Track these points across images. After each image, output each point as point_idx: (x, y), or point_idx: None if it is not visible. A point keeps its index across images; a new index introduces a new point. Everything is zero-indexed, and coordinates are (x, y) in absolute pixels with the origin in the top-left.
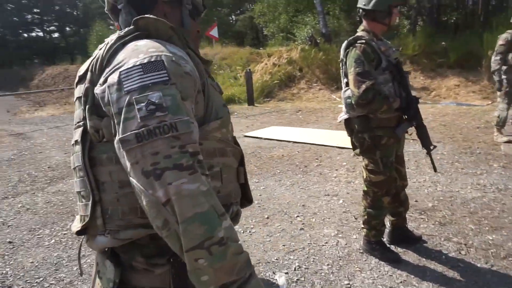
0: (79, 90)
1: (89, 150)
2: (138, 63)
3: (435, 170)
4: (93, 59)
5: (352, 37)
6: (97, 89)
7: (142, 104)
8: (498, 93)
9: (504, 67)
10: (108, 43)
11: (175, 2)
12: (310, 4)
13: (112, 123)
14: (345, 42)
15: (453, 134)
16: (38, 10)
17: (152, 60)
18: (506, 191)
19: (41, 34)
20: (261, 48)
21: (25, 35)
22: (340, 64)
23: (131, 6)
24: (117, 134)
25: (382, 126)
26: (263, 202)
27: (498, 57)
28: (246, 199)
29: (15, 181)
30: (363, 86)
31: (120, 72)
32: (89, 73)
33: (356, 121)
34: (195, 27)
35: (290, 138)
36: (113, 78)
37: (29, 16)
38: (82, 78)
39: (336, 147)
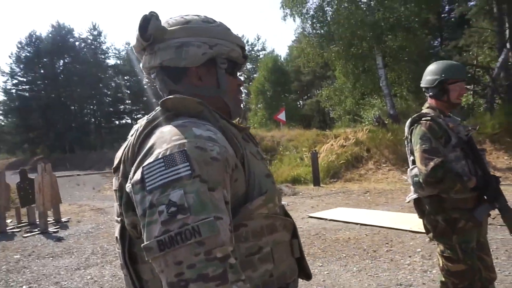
0: (114, 182)
1: (129, 246)
2: (160, 157)
3: None
4: (125, 147)
5: (417, 114)
6: (127, 187)
7: (163, 205)
8: None
9: None
10: (138, 129)
11: (210, 62)
12: (376, 87)
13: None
14: (409, 119)
15: None
16: (129, 101)
17: (174, 151)
18: None
19: (129, 121)
20: (327, 130)
21: (117, 122)
22: (405, 142)
23: (164, 73)
24: (144, 240)
25: (458, 208)
26: None
27: None
28: (304, 274)
29: (89, 253)
30: (431, 164)
31: (143, 168)
32: (122, 165)
33: (427, 201)
34: (234, 84)
35: (357, 220)
36: (137, 175)
37: (122, 107)
38: (117, 169)
39: (409, 231)
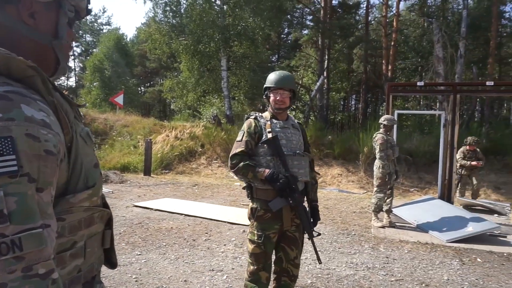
0: None
1: None
2: None
3: (319, 261)
4: None
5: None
6: None
7: None
8: (376, 182)
9: (383, 162)
10: None
11: (53, 3)
12: (217, 87)
13: None
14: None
15: (334, 216)
16: None
17: None
18: (373, 270)
19: None
20: (165, 121)
21: None
22: None
23: None
24: None
25: (259, 198)
26: (142, 277)
27: (382, 153)
28: (110, 263)
29: None
30: (233, 152)
31: None
32: None
33: (246, 187)
34: (70, 37)
35: (182, 211)
36: None
37: None
38: None
39: (228, 222)
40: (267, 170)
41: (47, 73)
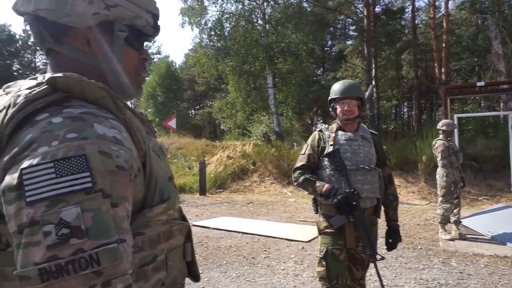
0: None
1: None
2: (49, 159)
3: (382, 286)
4: None
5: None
6: None
7: (51, 225)
8: (441, 192)
9: (446, 170)
10: (9, 106)
11: (106, 26)
12: (265, 105)
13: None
14: None
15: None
16: None
17: (70, 155)
18: (446, 286)
19: None
20: (216, 141)
21: None
22: None
23: (41, 25)
24: (16, 262)
25: (323, 213)
26: None
27: (445, 161)
28: (193, 275)
29: None
30: (296, 165)
31: (22, 171)
32: None
33: (312, 201)
34: (134, 58)
35: (239, 229)
36: (12, 178)
37: None
38: None
39: (285, 239)
40: (326, 185)
41: None
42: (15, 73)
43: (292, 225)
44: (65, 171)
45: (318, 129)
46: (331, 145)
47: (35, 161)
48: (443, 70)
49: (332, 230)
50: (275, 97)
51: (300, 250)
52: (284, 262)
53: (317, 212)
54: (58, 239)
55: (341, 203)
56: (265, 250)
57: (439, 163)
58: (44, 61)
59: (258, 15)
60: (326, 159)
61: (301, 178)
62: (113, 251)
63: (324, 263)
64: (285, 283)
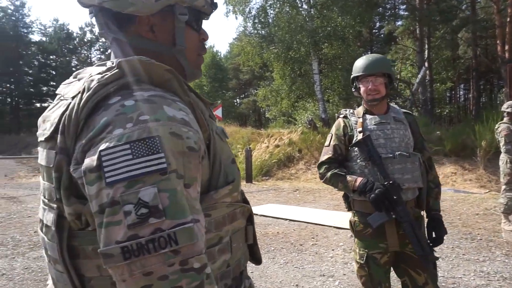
0: (46, 156)
1: (68, 238)
2: (125, 141)
3: None
4: (64, 111)
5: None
6: (74, 170)
7: (131, 205)
8: (505, 180)
9: (511, 156)
10: (84, 91)
11: (167, 10)
12: (311, 92)
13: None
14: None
15: (452, 219)
16: (54, 83)
17: (144, 136)
18: (511, 280)
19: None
20: (262, 129)
21: (38, 105)
22: None
23: (106, 16)
24: (99, 240)
25: (358, 211)
26: (255, 280)
27: (510, 146)
28: (255, 258)
29: None
30: (321, 159)
31: (100, 152)
32: (59, 136)
33: (343, 197)
34: (195, 40)
35: (286, 216)
36: (91, 160)
37: (45, 88)
38: (50, 139)
39: (333, 227)
40: (359, 179)
41: None
42: (73, 68)
43: (340, 213)
44: (140, 152)
45: (342, 116)
46: (359, 132)
47: (112, 143)
48: (507, 47)
49: (370, 231)
50: (321, 83)
51: (349, 238)
52: (333, 250)
53: (349, 210)
54: (138, 219)
55: (380, 198)
56: (313, 238)
57: (503, 149)
58: (99, 56)
59: (303, 0)
60: (356, 148)
61: (329, 174)
62: (189, 231)
63: (366, 268)
64: (334, 271)
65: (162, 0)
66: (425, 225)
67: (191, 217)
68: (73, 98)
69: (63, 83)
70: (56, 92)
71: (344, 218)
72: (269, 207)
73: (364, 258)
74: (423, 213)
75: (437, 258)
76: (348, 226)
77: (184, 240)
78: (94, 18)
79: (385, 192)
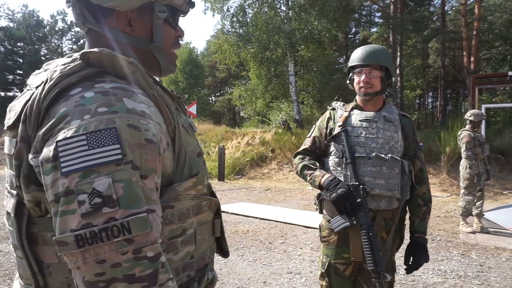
0: (9, 144)
1: (27, 225)
2: (81, 132)
3: None
4: (27, 101)
5: None
6: (32, 159)
7: (85, 194)
8: (464, 184)
9: (470, 162)
10: (46, 81)
11: (145, 6)
12: (286, 93)
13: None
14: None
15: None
16: (21, 72)
17: (101, 127)
18: (465, 278)
19: (19, 94)
20: (236, 128)
21: (2, 93)
22: None
23: (83, 6)
24: (54, 228)
25: (326, 214)
26: (223, 277)
27: (469, 152)
28: (222, 251)
29: None
30: (299, 149)
31: (57, 143)
32: (21, 125)
33: (316, 198)
34: (171, 36)
35: (256, 215)
36: (49, 150)
37: (11, 77)
38: (12, 127)
39: (303, 226)
40: (326, 175)
41: (154, 75)
42: (42, 58)
43: (310, 212)
44: (96, 143)
45: (330, 108)
46: (339, 126)
47: (69, 134)
48: (472, 59)
49: (335, 238)
50: (296, 85)
51: (317, 237)
52: (301, 248)
53: (321, 212)
54: (92, 208)
55: (341, 199)
56: (282, 236)
57: (463, 154)
58: (70, 46)
59: (281, 1)
60: (333, 143)
61: (300, 165)
62: (142, 220)
63: (326, 279)
64: (301, 268)
65: None
66: (406, 247)
67: (146, 207)
68: (37, 88)
69: (33, 73)
70: (27, 82)
71: (313, 217)
72: (240, 206)
73: (325, 267)
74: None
75: (388, 279)
76: (316, 225)
77: (137, 229)
78: (70, 8)
79: (348, 194)
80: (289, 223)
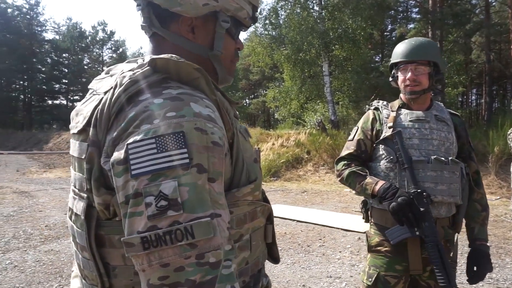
0: (78, 148)
1: (95, 227)
2: (151, 135)
3: None
4: (96, 106)
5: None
6: (104, 163)
7: (152, 197)
8: None
9: None
10: (115, 86)
11: (210, 16)
12: (320, 93)
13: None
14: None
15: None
16: (66, 81)
17: (170, 131)
18: None
19: (64, 102)
20: (271, 130)
21: (50, 102)
22: None
23: (151, 10)
24: (124, 230)
25: (375, 223)
26: None
27: None
28: (273, 258)
29: (9, 237)
30: (341, 154)
31: (127, 146)
32: (91, 129)
33: (361, 205)
34: (231, 48)
35: (294, 217)
36: (119, 153)
37: (57, 86)
38: (82, 132)
39: (341, 229)
40: (381, 182)
41: None
42: (85, 67)
43: (348, 215)
44: (165, 146)
45: (373, 107)
46: (389, 127)
47: (138, 137)
48: None
49: (387, 248)
50: (330, 85)
51: (357, 240)
52: (340, 252)
53: (367, 221)
54: (157, 210)
55: (403, 209)
56: (320, 239)
57: None
58: (110, 55)
59: (314, 1)
60: (382, 146)
61: (346, 172)
62: (205, 225)
63: None
64: (341, 272)
65: (209, 5)
66: (467, 256)
67: (211, 212)
68: (105, 93)
69: (95, 78)
70: (89, 87)
71: (352, 220)
72: (277, 208)
73: (373, 279)
74: (458, 235)
75: None
76: (356, 229)
77: (200, 234)
78: (140, 11)
79: (410, 202)
80: (327, 226)
